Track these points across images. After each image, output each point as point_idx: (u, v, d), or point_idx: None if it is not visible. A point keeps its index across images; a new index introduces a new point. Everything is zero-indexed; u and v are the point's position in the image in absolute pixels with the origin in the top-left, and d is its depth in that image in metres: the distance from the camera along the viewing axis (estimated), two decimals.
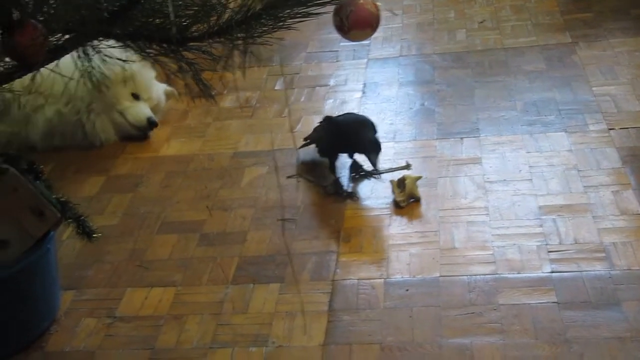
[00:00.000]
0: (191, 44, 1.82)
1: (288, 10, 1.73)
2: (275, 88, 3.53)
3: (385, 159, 2.91)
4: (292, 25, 1.74)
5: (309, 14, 1.72)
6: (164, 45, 1.85)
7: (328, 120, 2.87)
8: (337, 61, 3.73)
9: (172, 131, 3.29)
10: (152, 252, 2.57)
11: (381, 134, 3.05)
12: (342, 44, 3.84)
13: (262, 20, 1.75)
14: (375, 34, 3.88)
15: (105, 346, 2.22)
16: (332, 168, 2.82)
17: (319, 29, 3.91)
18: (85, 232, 2.23)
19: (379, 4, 1.74)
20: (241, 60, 1.79)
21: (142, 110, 3.21)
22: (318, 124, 2.95)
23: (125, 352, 2.19)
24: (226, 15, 1.79)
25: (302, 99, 3.41)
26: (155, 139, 3.24)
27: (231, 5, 1.79)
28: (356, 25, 1.73)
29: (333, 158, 2.83)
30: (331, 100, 3.38)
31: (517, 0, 4.19)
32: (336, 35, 1.84)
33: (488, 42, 3.76)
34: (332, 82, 3.54)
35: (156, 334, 2.23)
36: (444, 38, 3.85)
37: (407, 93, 3.38)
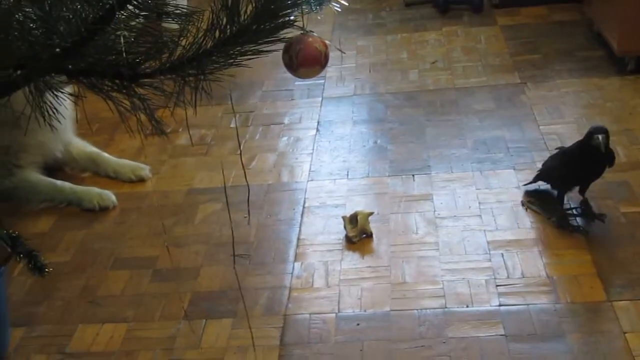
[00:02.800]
0: (143, 80, 1.85)
1: (238, 48, 1.76)
2: (231, 126, 3.56)
3: (338, 196, 2.96)
4: (243, 63, 1.77)
5: (259, 52, 1.76)
6: (117, 81, 1.88)
7: (562, 151, 2.80)
8: (292, 100, 3.78)
9: None
10: (105, 288, 2.57)
11: (334, 172, 3.11)
12: (297, 83, 3.89)
13: (213, 57, 1.78)
14: (330, 74, 3.99)
15: None
16: (561, 200, 2.73)
17: (275, 68, 3.95)
18: (36, 267, 2.21)
19: (327, 42, 1.79)
20: (192, 96, 1.82)
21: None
22: (551, 155, 2.89)
23: None
24: (178, 52, 1.82)
25: (257, 137, 3.44)
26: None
27: (183, 42, 1.83)
28: (305, 63, 1.78)
29: (563, 189, 2.75)
30: (285, 138, 3.42)
31: (468, 42, 4.29)
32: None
33: (440, 82, 3.84)
34: (286, 120, 3.59)
35: None
36: (397, 78, 3.93)
37: (360, 131, 3.44)
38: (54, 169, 3.23)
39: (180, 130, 3.51)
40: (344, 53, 4.09)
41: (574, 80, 3.71)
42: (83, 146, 3.30)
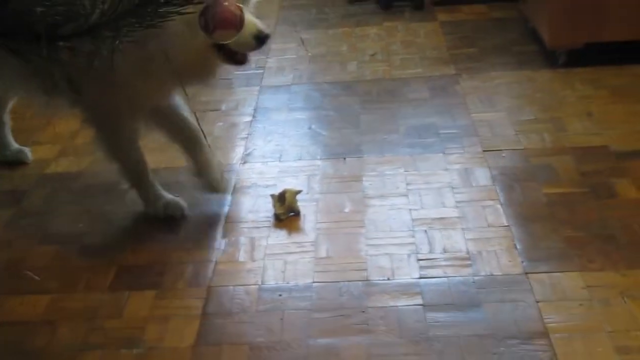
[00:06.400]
0: (61, 42, 1.87)
1: (154, 9, 1.79)
2: None
3: (269, 177, 2.99)
4: (159, 25, 1.80)
5: (175, 13, 1.78)
6: (35, 44, 1.89)
7: None
8: (230, 88, 3.81)
9: (60, 150, 3.30)
10: (31, 261, 2.57)
11: (267, 155, 3.14)
12: (237, 72, 3.91)
13: (130, 19, 1.80)
14: (270, 64, 4.02)
15: None
16: None
17: None
18: None
19: (241, 6, 1.82)
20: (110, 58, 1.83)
21: None
22: None
23: None
24: (95, 15, 1.84)
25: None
26: (42, 157, 3.24)
27: (100, 5, 1.84)
28: (220, 25, 1.82)
29: None
30: (221, 124, 3.45)
31: (407, 37, 4.37)
32: None
33: (377, 73, 3.90)
34: (223, 107, 3.62)
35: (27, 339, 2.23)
36: (336, 69, 3.98)
37: (295, 118, 3.48)
38: None
39: None
40: (309, 53, 4.13)
41: (508, 72, 3.79)
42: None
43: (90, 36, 1.87)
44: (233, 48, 2.29)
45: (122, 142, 2.68)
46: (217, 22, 1.79)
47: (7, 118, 3.18)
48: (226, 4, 1.80)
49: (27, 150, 3.22)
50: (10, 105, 3.14)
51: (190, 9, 1.79)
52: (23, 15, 1.88)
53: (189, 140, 2.82)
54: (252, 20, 2.22)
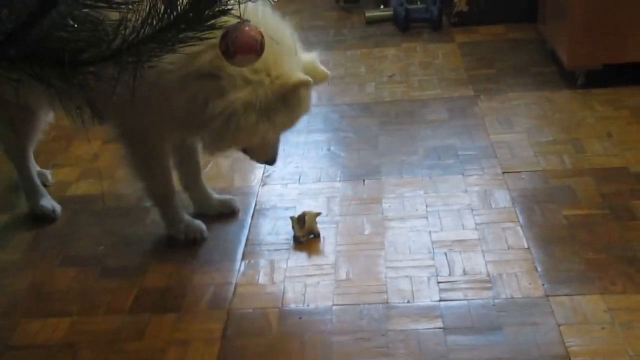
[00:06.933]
0: (83, 68, 1.89)
1: (175, 35, 1.80)
2: None
3: (289, 199, 3.00)
4: (180, 50, 1.82)
5: (198, 38, 1.80)
6: (57, 69, 1.91)
7: None
8: None
9: (81, 173, 3.32)
10: (51, 284, 2.58)
11: (286, 177, 3.15)
12: None
13: (151, 45, 1.82)
14: None
15: None
16: None
17: None
18: None
19: (262, 30, 1.84)
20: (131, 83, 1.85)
21: None
22: None
23: None
24: (117, 40, 1.86)
25: None
26: (63, 180, 3.26)
27: (123, 31, 1.86)
28: (240, 50, 1.83)
29: None
30: None
31: (425, 58, 4.38)
32: None
33: (395, 94, 3.91)
34: None
35: None
36: (354, 90, 3.99)
37: (314, 139, 3.49)
38: None
39: None
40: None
41: (526, 93, 3.79)
42: None
43: (113, 61, 1.89)
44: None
45: (152, 161, 2.68)
46: (238, 46, 1.80)
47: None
48: (247, 29, 1.81)
49: (47, 172, 3.24)
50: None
51: (210, 34, 1.81)
52: (46, 41, 1.90)
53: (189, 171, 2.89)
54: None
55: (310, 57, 2.47)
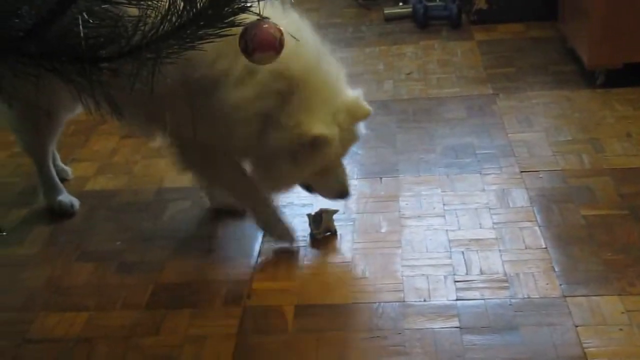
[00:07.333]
0: (102, 64, 1.89)
1: (195, 32, 1.80)
2: None
3: (306, 197, 2.98)
4: (199, 47, 1.82)
5: (215, 35, 1.80)
6: (77, 65, 1.92)
7: None
8: None
9: (99, 168, 3.34)
10: (69, 279, 2.59)
11: None
12: None
13: (170, 42, 1.82)
14: None
15: None
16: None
17: None
18: None
19: (282, 28, 1.83)
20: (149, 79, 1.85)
21: None
22: None
23: None
24: (136, 37, 1.86)
25: None
26: (81, 175, 3.27)
27: (142, 28, 1.87)
28: (260, 47, 1.82)
29: None
30: None
31: (444, 55, 4.36)
32: None
33: (413, 92, 3.90)
34: None
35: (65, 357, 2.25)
36: (372, 87, 3.98)
37: None
38: None
39: None
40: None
41: (545, 92, 3.77)
42: None
43: (132, 58, 1.89)
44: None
45: (222, 170, 2.68)
46: (257, 44, 1.80)
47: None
48: (266, 26, 1.81)
49: (68, 169, 3.25)
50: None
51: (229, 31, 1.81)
52: (66, 37, 1.91)
53: None
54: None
55: (355, 94, 2.53)
